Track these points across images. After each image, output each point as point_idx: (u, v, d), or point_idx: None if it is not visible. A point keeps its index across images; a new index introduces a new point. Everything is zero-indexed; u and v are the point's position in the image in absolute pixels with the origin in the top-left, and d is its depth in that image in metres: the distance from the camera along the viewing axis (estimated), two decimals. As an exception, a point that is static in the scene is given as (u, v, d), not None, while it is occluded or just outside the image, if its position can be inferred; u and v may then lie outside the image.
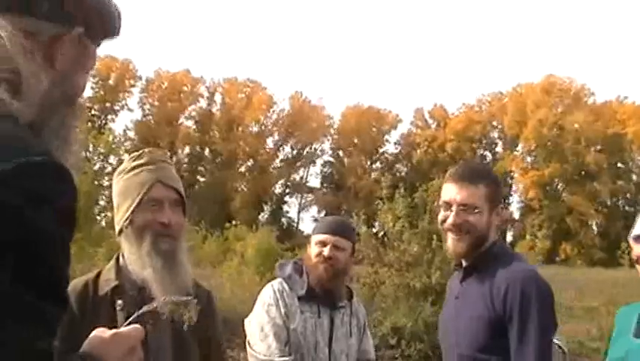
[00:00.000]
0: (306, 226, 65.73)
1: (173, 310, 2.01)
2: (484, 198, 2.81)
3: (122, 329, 1.48)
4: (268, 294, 3.50)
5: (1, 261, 0.99)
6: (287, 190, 71.63)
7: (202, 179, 68.98)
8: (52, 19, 1.24)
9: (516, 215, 68.53)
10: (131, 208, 2.27)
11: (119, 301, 2.19)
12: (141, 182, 2.28)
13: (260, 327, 3.37)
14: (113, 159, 23.92)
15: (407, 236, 15.18)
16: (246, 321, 3.54)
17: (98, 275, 2.35)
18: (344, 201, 63.67)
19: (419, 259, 14.83)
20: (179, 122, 69.16)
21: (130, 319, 1.62)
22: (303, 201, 70.92)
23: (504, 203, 68.58)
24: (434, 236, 14.91)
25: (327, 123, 72.18)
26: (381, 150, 72.91)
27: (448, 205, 2.84)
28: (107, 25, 1.38)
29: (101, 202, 22.70)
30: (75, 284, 2.27)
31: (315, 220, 64.13)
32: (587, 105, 66.35)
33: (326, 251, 3.43)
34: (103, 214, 25.35)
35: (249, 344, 3.43)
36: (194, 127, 69.86)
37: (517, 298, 2.64)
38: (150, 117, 68.20)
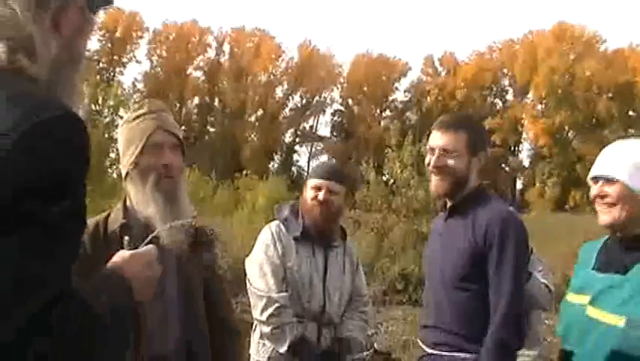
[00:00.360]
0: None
1: (171, 235, 2.34)
2: (463, 144, 3.11)
3: (139, 249, 1.75)
4: (266, 235, 3.75)
5: (40, 200, 1.17)
6: (297, 139, 71.72)
7: (212, 129, 69.02)
8: None
9: (526, 163, 68.67)
10: (136, 153, 2.48)
11: (126, 238, 2.30)
12: (143, 129, 2.49)
13: (259, 266, 3.61)
14: (122, 112, 24.14)
15: (414, 183, 15.37)
16: (247, 260, 3.78)
17: (108, 216, 2.59)
18: (354, 150, 63.62)
19: (426, 206, 15.03)
20: (188, 73, 68.90)
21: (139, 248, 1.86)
22: (313, 149, 71.07)
23: (514, 151, 68.60)
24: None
25: (337, 72, 71.86)
26: (390, 98, 72.65)
27: (432, 150, 3.16)
28: None
29: (112, 155, 23.07)
30: (87, 225, 2.49)
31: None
32: (599, 53, 65.66)
33: (321, 195, 3.65)
34: (114, 167, 25.68)
35: (249, 281, 3.67)
36: (203, 78, 69.64)
37: (496, 232, 2.97)
38: (158, 69, 67.97)
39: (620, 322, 2.24)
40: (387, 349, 8.78)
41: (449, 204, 3.22)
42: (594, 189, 2.45)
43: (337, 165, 4.49)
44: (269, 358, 3.60)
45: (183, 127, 66.21)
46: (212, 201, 25.90)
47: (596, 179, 2.46)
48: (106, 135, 23.20)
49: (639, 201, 2.34)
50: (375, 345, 8.84)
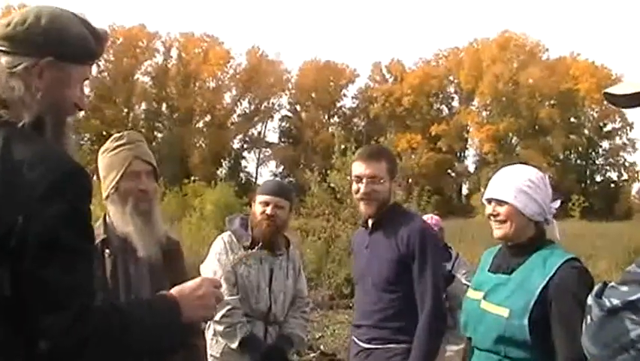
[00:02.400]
0: (265, 180, 65.29)
1: (146, 248, 2.84)
2: (385, 171, 3.68)
3: (195, 282, 1.98)
4: (219, 245, 4.17)
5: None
6: (245, 145, 71.61)
7: (159, 135, 68.27)
8: (23, 54, 1.69)
9: (471, 168, 69.71)
10: (116, 178, 2.87)
11: (107, 251, 2.86)
12: (123, 158, 2.89)
13: (213, 272, 3.94)
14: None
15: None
16: (202, 267, 4.17)
17: None
18: (302, 155, 63.92)
19: (372, 213, 15.30)
20: (136, 77, 68.26)
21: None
22: (262, 155, 71.19)
23: (460, 156, 69.59)
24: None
25: (285, 78, 72.01)
26: (338, 105, 73.18)
27: (359, 179, 3.68)
28: (81, 47, 1.79)
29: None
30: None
31: (275, 175, 64.67)
32: (542, 61, 67.24)
33: (268, 210, 4.05)
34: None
35: None
36: (151, 83, 69.02)
37: (417, 241, 3.55)
38: (106, 73, 67.17)
39: (504, 313, 2.72)
40: (332, 351, 9.07)
41: (371, 221, 3.77)
42: (489, 209, 2.93)
43: (283, 182, 5.07)
44: (222, 353, 4.02)
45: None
46: (161, 207, 25.75)
47: (489, 200, 2.94)
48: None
49: (523, 218, 2.83)
50: (322, 347, 9.13)
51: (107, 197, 2.94)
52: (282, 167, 68.61)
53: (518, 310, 2.68)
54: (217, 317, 3.86)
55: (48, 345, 1.49)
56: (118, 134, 3.09)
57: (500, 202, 2.87)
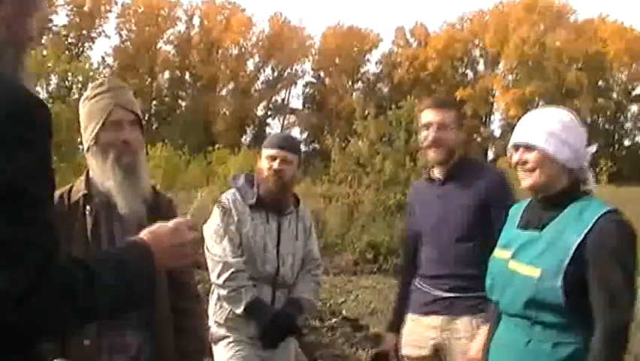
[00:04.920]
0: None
1: (129, 205, 2.62)
2: (454, 119, 3.67)
3: (169, 227, 1.81)
4: (223, 203, 3.92)
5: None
6: (269, 112, 71.52)
7: (183, 103, 68.57)
8: None
9: (497, 133, 69.15)
10: (96, 129, 2.64)
11: (88, 207, 2.65)
12: (103, 106, 2.64)
13: (216, 232, 3.79)
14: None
15: (380, 157, 15.50)
16: (204, 227, 3.90)
17: (71, 188, 2.76)
18: (326, 122, 63.66)
19: (395, 178, 15.23)
20: (158, 47, 68.19)
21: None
22: (286, 122, 70.98)
23: (485, 121, 69.03)
24: (407, 157, 15.31)
25: (308, 44, 71.60)
26: (362, 70, 72.68)
27: (428, 125, 3.66)
28: None
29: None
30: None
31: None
32: (569, 23, 66.14)
33: (275, 165, 3.80)
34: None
35: (206, 247, 3.84)
36: (174, 51, 69.00)
37: (495, 188, 3.57)
38: (128, 43, 67.18)
39: (535, 273, 2.48)
40: (355, 316, 9.02)
41: (440, 172, 3.71)
42: (515, 157, 2.66)
43: (291, 136, 4.60)
44: (226, 319, 3.80)
45: (154, 102, 65.82)
46: (185, 174, 25.84)
47: (516, 147, 2.67)
48: (76, 112, 23.03)
49: (555, 165, 2.56)
50: (344, 312, 9.09)
51: (88, 149, 2.71)
52: (307, 133, 68.45)
53: (551, 271, 2.43)
54: (220, 281, 3.71)
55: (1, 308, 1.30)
56: (99, 81, 2.87)
57: (528, 147, 2.59)
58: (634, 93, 67.74)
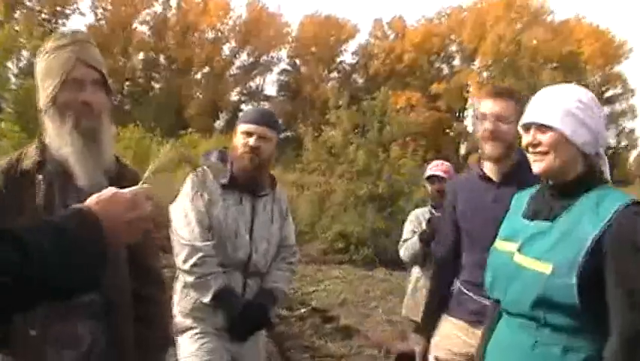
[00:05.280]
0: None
1: (89, 177, 2.29)
2: (513, 111, 3.32)
3: (125, 190, 1.60)
4: (191, 182, 3.61)
5: None
6: (243, 98, 70.99)
7: (157, 85, 67.84)
8: None
9: (470, 128, 69.37)
10: (54, 88, 2.32)
11: (39, 176, 2.31)
12: (63, 62, 2.32)
13: (184, 213, 3.48)
14: None
15: (354, 147, 15.41)
16: (171, 207, 3.63)
17: (22, 154, 2.43)
18: (300, 110, 63.45)
19: (368, 169, 15.13)
20: (134, 27, 67.31)
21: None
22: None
23: (459, 116, 69.29)
24: (380, 148, 15.20)
25: (285, 31, 71.13)
26: (338, 60, 72.49)
27: (484, 116, 3.38)
28: None
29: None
30: (1, 164, 2.39)
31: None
32: (546, 23, 66.39)
33: (251, 141, 3.52)
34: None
35: (173, 229, 3.55)
36: (149, 33, 68.17)
37: None
38: (103, 22, 66.28)
39: (546, 269, 2.23)
40: (325, 306, 8.87)
41: (495, 171, 3.42)
42: (527, 137, 2.41)
43: (269, 110, 4.13)
44: (192, 308, 3.50)
45: (128, 82, 65.09)
46: (156, 157, 25.56)
47: (527, 126, 2.43)
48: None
49: (571, 149, 2.33)
50: (314, 303, 8.94)
51: (44, 112, 2.37)
52: (280, 121, 67.81)
53: (564, 266, 2.17)
54: (187, 266, 3.40)
55: None
56: (59, 32, 2.54)
57: (542, 128, 2.34)
58: (606, 95, 68.26)
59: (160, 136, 27.43)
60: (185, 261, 3.41)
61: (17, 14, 53.53)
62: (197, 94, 66.57)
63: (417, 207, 15.02)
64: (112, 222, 1.47)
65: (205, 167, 3.66)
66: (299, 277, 10.93)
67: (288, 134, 56.19)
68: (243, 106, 70.36)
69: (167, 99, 61.68)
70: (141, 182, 1.79)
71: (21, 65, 32.30)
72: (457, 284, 3.49)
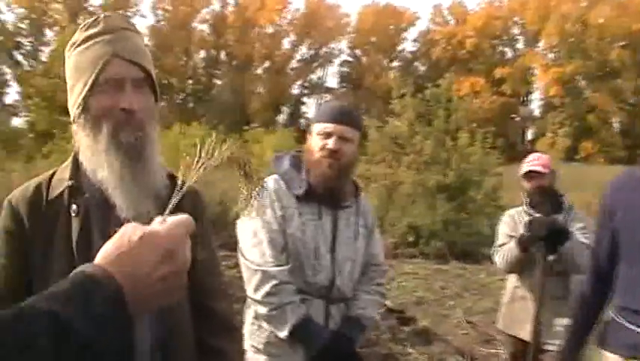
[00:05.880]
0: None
1: (134, 206, 1.71)
2: None
3: (157, 227, 1.08)
4: (262, 194, 3.02)
5: None
6: (304, 91, 71.24)
7: (219, 82, 68.51)
8: None
9: (537, 112, 67.97)
10: (84, 91, 1.76)
11: (74, 207, 1.77)
12: (94, 57, 1.76)
13: (253, 232, 2.92)
14: None
15: (420, 137, 15.01)
16: (238, 224, 3.06)
17: (52, 176, 1.90)
18: (362, 101, 63.12)
19: (435, 158, 14.70)
20: (193, 26, 68.19)
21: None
22: (321, 101, 70.59)
23: (524, 100, 67.86)
24: (447, 137, 14.75)
25: (344, 22, 71.06)
26: (399, 49, 71.96)
27: None
28: None
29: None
30: (26, 188, 1.86)
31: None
32: (612, 0, 64.49)
33: (331, 143, 2.93)
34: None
35: (240, 251, 3.00)
36: (209, 31, 68.92)
37: None
38: (163, 23, 67.24)
39: None
40: (400, 306, 8.47)
41: None
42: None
43: (349, 106, 3.24)
44: (266, 343, 2.94)
45: (190, 81, 65.84)
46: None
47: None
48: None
49: None
50: (388, 302, 8.55)
51: (75, 120, 1.81)
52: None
53: None
54: (259, 296, 2.82)
55: None
56: (91, 19, 1.84)
57: None
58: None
59: (224, 133, 27.60)
60: (256, 289, 2.86)
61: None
62: (259, 89, 66.98)
63: (487, 197, 14.79)
64: (138, 285, 0.99)
65: (276, 175, 3.09)
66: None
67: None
68: (304, 99, 70.50)
69: (229, 96, 62.25)
70: (178, 191, 1.30)
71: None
72: (610, 310, 2.92)
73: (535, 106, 69.47)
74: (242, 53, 66.30)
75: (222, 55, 69.26)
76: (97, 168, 1.74)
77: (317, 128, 3.00)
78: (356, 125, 3.02)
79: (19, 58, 57.59)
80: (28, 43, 57.34)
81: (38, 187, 1.85)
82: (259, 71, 69.18)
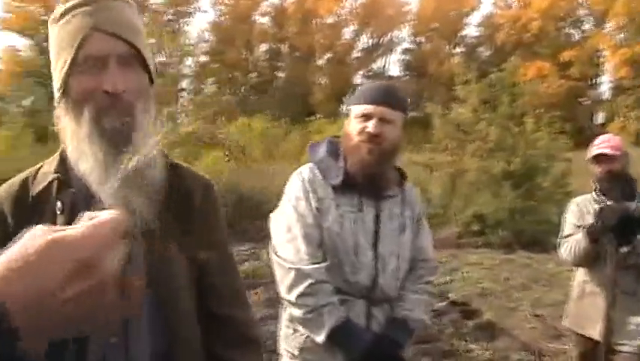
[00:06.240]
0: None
1: (121, 197, 1.42)
2: None
3: (70, 231, 0.82)
4: (296, 185, 2.76)
5: None
6: (367, 81, 70.91)
7: (281, 75, 68.74)
8: None
9: (606, 95, 66.20)
10: (63, 72, 1.53)
11: (59, 203, 1.55)
12: (74, 32, 1.52)
13: (286, 227, 2.68)
14: (190, 61, 24.39)
15: (484, 124, 14.70)
16: (272, 217, 2.83)
17: (38, 171, 1.71)
18: (425, 88, 62.48)
19: (501, 144, 14.37)
20: (254, 19, 68.53)
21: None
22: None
23: (593, 83, 66.22)
24: (513, 122, 14.40)
25: (404, 10, 70.43)
26: (462, 34, 70.98)
27: None
28: None
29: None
30: (11, 184, 1.68)
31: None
32: (684, -27, 62.32)
33: (370, 126, 2.65)
34: (180, 115, 25.89)
35: (273, 248, 2.75)
36: (270, 23, 69.19)
37: None
38: (224, 17, 67.78)
39: None
40: (463, 299, 8.23)
41: None
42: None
43: (391, 85, 2.89)
44: (302, 349, 2.69)
45: (252, 74, 66.31)
46: (284, 145, 25.80)
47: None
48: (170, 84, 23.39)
49: None
50: (451, 295, 8.32)
51: (57, 106, 1.58)
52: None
53: None
54: (292, 296, 2.58)
55: None
56: None
57: None
58: None
59: (287, 124, 27.66)
60: (290, 290, 2.60)
61: (145, 17, 55.49)
62: (321, 80, 66.96)
63: (556, 184, 14.35)
64: (36, 308, 0.74)
65: (311, 164, 2.83)
66: (433, 266, 10.35)
67: (415, 113, 55.63)
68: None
69: (291, 87, 62.53)
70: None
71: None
72: None
73: (605, 89, 67.66)
74: (303, 44, 66.36)
75: (284, 47, 69.46)
76: (80, 159, 1.51)
77: (355, 110, 2.74)
78: (399, 106, 2.73)
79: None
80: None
81: (24, 182, 1.66)
82: (321, 62, 69.12)
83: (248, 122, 25.30)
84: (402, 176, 2.92)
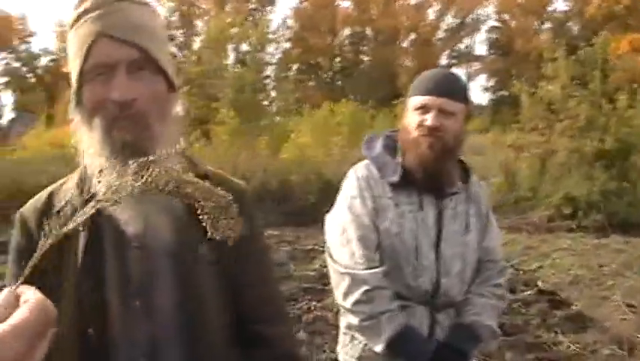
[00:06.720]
0: (476, 95, 64.55)
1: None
2: None
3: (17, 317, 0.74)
4: (351, 183, 2.59)
5: None
6: (453, 60, 69.87)
7: (366, 58, 68.47)
8: None
9: None
10: (75, 80, 1.45)
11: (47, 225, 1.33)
12: (82, 39, 1.43)
13: (341, 228, 2.50)
14: (273, 49, 24.62)
15: (575, 102, 14.18)
16: (327, 219, 2.65)
17: (62, 185, 1.63)
18: (513, 66, 61.11)
19: (592, 123, 13.84)
20: (336, 4, 68.44)
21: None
22: (471, 70, 69.20)
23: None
24: (604, 100, 13.86)
25: (489, -13, 69.07)
26: (549, 9, 69.04)
27: None
28: None
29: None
30: (38, 198, 1.61)
31: (485, 90, 62.90)
32: None
33: (429, 119, 2.46)
34: (267, 102, 26.19)
35: (328, 251, 2.58)
36: (352, 7, 68.97)
37: None
38: (307, 3, 67.94)
39: None
40: (553, 287, 7.92)
41: None
42: None
43: (451, 74, 2.66)
44: (360, 357, 2.52)
45: (337, 59, 66.31)
46: (370, 129, 25.68)
47: None
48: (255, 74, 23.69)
49: None
50: (539, 283, 8.03)
51: (74, 117, 1.49)
52: (494, 80, 66.35)
53: None
54: (349, 303, 2.41)
55: None
56: None
57: None
58: None
59: (374, 108, 27.53)
60: (345, 296, 2.44)
61: (228, 7, 56.28)
62: (407, 62, 66.46)
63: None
64: None
65: (367, 160, 2.65)
66: (521, 250, 10.03)
67: (503, 92, 54.38)
68: (453, 69, 69.25)
69: (377, 71, 62.22)
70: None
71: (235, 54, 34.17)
72: None
73: None
74: (387, 26, 65.88)
75: (367, 30, 69.15)
76: (95, 171, 1.43)
77: (413, 102, 2.56)
78: (460, 97, 2.52)
79: (174, 49, 60.03)
80: (180, 35, 59.50)
81: (50, 196, 1.58)
82: (405, 43, 68.56)
83: (332, 107, 25.28)
84: (467, 171, 2.72)
